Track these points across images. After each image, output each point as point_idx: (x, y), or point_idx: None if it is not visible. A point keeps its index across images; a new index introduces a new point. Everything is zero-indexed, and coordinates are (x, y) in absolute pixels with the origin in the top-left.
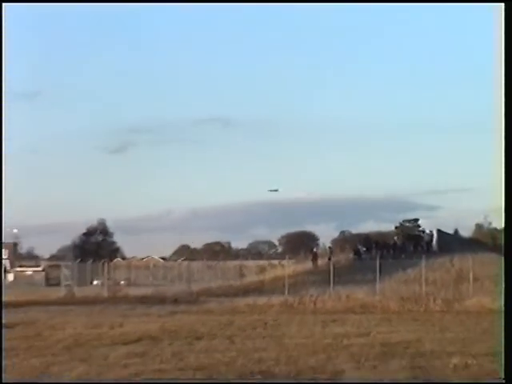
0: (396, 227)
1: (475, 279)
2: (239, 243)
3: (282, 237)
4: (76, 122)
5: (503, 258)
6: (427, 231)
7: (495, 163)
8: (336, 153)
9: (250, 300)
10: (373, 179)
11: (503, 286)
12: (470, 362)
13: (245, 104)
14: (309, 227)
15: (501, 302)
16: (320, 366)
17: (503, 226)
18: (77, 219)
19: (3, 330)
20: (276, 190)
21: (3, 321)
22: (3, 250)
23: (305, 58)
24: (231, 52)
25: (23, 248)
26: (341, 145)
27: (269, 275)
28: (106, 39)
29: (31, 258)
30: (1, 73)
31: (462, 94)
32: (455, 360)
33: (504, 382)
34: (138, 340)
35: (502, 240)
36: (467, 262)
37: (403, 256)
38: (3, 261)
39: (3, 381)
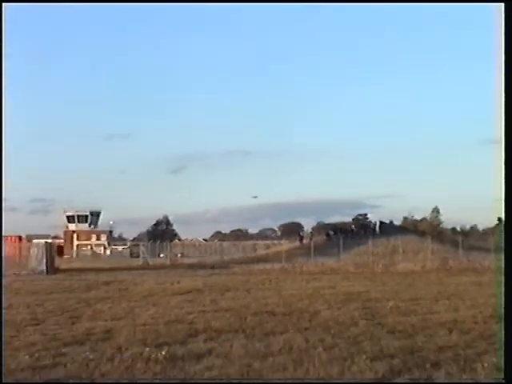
0: (353, 219)
1: (403, 252)
2: (253, 230)
3: (281, 225)
4: (150, 152)
5: (503, 257)
6: (373, 221)
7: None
8: (317, 170)
9: (260, 266)
10: (339, 188)
11: (503, 285)
12: (400, 304)
13: (259, 139)
14: (298, 219)
15: (422, 267)
16: (305, 307)
17: (503, 225)
18: (150, 215)
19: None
20: (256, 197)
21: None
22: (103, 235)
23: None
24: (247, 93)
25: (116, 233)
26: (321, 164)
27: (272, 250)
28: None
29: (121, 239)
30: (1, 73)
31: (462, 94)
32: (391, 303)
33: (504, 382)
34: (189, 292)
35: (421, 227)
36: (398, 241)
37: (357, 238)
38: (103, 240)
39: (3, 381)
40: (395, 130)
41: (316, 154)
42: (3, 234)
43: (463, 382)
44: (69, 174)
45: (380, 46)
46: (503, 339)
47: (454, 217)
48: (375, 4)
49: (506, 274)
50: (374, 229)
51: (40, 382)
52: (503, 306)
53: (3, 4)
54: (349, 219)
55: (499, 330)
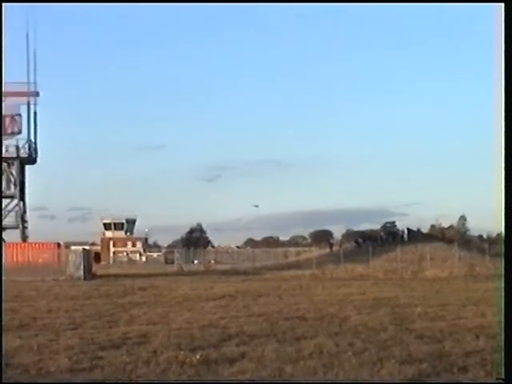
0: (381, 227)
1: (431, 259)
2: (284, 237)
3: (311, 233)
4: (185, 162)
5: (503, 257)
6: (401, 229)
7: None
8: (347, 178)
9: (291, 272)
10: (368, 196)
11: (503, 285)
12: (428, 310)
13: (291, 149)
14: (327, 227)
15: (450, 274)
16: (335, 313)
17: (503, 226)
18: (184, 223)
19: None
20: (257, 206)
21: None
22: (138, 242)
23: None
24: (280, 104)
25: (151, 240)
26: (350, 173)
27: (302, 257)
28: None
29: (156, 246)
30: (1, 72)
31: (462, 95)
32: (419, 309)
33: (504, 382)
34: (222, 297)
35: (448, 234)
36: (426, 248)
37: (386, 245)
38: (138, 247)
39: (3, 381)
40: (424, 138)
41: (346, 162)
42: (42, 240)
43: (463, 382)
44: (106, 183)
45: (381, 46)
46: (503, 339)
47: (480, 224)
48: (375, 4)
49: (505, 276)
50: (402, 236)
51: (40, 381)
52: (503, 306)
53: (3, 4)
54: (377, 227)
55: None
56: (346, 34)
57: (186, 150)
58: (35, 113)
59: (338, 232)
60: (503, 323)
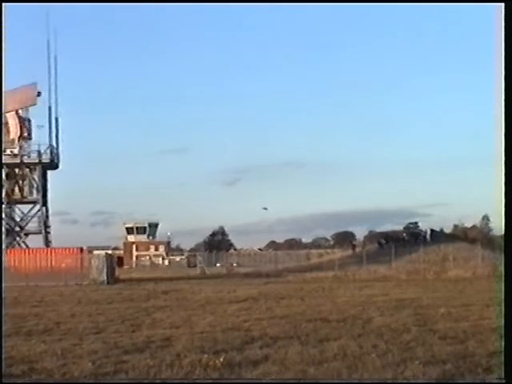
0: (404, 227)
1: (454, 259)
2: (306, 239)
3: (333, 234)
4: (206, 166)
5: (503, 257)
6: (424, 230)
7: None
8: (369, 179)
9: (313, 274)
10: (390, 197)
11: (503, 285)
12: (451, 310)
13: (313, 151)
14: (350, 228)
15: (473, 274)
16: (358, 314)
17: (503, 226)
18: (206, 226)
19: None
20: (266, 209)
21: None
22: (161, 246)
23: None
24: (301, 107)
25: (173, 244)
26: (373, 174)
27: (325, 259)
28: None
29: (178, 250)
30: (1, 72)
31: (462, 96)
32: (442, 310)
33: (504, 382)
34: (245, 300)
35: (471, 234)
36: (449, 249)
37: (409, 246)
38: (161, 251)
39: (3, 381)
40: (444, 139)
41: (369, 163)
42: (65, 245)
43: (463, 381)
44: (129, 187)
45: (387, 47)
46: (503, 339)
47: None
48: (375, 4)
49: (505, 275)
50: (425, 237)
51: (39, 381)
52: (503, 306)
53: (3, 4)
54: (400, 228)
55: None
56: (358, 36)
57: (207, 154)
58: (56, 118)
59: (360, 233)
60: (503, 323)
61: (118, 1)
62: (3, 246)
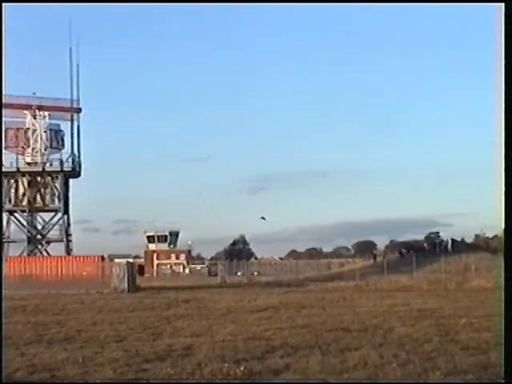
0: (425, 237)
1: (475, 269)
2: (327, 248)
3: (354, 244)
4: (228, 174)
5: (503, 258)
6: (445, 239)
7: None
8: (390, 189)
9: (334, 284)
10: (412, 207)
11: (503, 285)
12: (473, 321)
13: (335, 160)
14: (371, 238)
15: (495, 284)
16: (379, 324)
17: (503, 226)
18: (227, 234)
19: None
20: (264, 218)
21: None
22: (182, 255)
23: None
24: (323, 115)
25: (194, 252)
26: (394, 183)
27: (346, 268)
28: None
29: (199, 258)
30: (1, 72)
31: (462, 97)
32: (464, 320)
33: (504, 382)
34: (266, 309)
35: (492, 244)
36: (470, 259)
37: (430, 256)
38: (182, 259)
39: (3, 381)
40: (465, 147)
41: (390, 173)
42: (86, 253)
43: (463, 382)
44: (150, 196)
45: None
46: (503, 339)
47: None
48: (374, 4)
49: (505, 275)
50: (446, 247)
51: (39, 382)
52: (503, 306)
53: (3, 4)
54: (421, 237)
55: None
56: (383, 40)
57: (230, 162)
58: (78, 127)
59: (381, 243)
60: (503, 323)
61: None
62: (4, 252)
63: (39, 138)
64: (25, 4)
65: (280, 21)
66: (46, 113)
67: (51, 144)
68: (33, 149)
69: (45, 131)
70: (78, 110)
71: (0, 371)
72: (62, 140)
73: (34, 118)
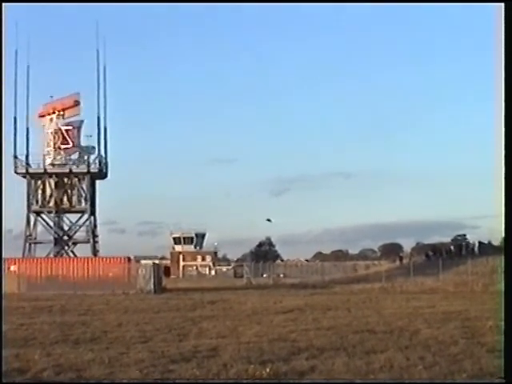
0: (452, 239)
1: (502, 272)
2: (353, 250)
3: (380, 246)
4: (254, 176)
5: (503, 258)
6: (472, 242)
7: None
8: (416, 191)
9: (360, 286)
10: (438, 209)
11: (503, 285)
12: (499, 323)
13: (361, 161)
14: (397, 240)
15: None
16: (405, 326)
17: (503, 226)
18: (253, 236)
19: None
20: (270, 220)
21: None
22: (208, 256)
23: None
24: (348, 117)
25: (220, 254)
26: (420, 185)
27: (372, 270)
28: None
29: (225, 260)
30: (1, 73)
31: (462, 97)
32: (490, 322)
33: (504, 382)
34: (291, 310)
35: None
36: (497, 261)
37: (456, 258)
38: (208, 261)
39: (3, 381)
40: (490, 148)
41: (416, 174)
42: (113, 254)
43: (463, 382)
44: (176, 197)
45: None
46: (503, 339)
47: None
48: (375, 4)
49: (506, 274)
50: (473, 249)
51: (39, 382)
52: (503, 306)
53: (3, 4)
54: (448, 240)
55: None
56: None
57: (256, 164)
58: (105, 128)
59: (407, 245)
60: (503, 323)
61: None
62: (31, 253)
63: (66, 140)
64: (50, 5)
65: (308, 22)
66: (72, 114)
67: (77, 144)
68: (59, 150)
69: (68, 130)
70: (105, 109)
71: (0, 371)
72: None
73: (62, 118)
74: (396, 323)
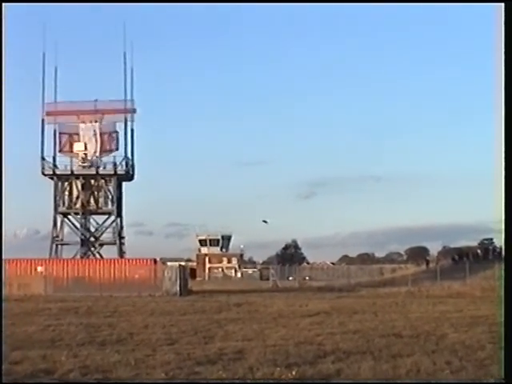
0: (479, 243)
1: None
2: (380, 254)
3: (407, 249)
4: (282, 178)
5: (503, 258)
6: (499, 246)
7: None
8: (444, 194)
9: (386, 289)
10: (466, 213)
11: (503, 286)
12: None
13: (390, 164)
14: (424, 243)
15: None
16: (431, 330)
17: (503, 226)
18: (279, 239)
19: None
20: (266, 222)
21: None
22: (234, 258)
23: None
24: (378, 119)
25: (246, 256)
26: (448, 189)
27: (398, 274)
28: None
29: (251, 262)
30: (1, 73)
31: (463, 97)
32: None
33: (504, 382)
34: (317, 314)
35: None
36: None
37: (483, 262)
38: (234, 263)
39: (3, 381)
40: None
41: (444, 177)
42: (139, 256)
43: (463, 382)
44: (203, 199)
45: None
46: (503, 339)
47: None
48: (375, 4)
49: (506, 274)
50: (500, 253)
51: (39, 382)
52: (503, 305)
53: (3, 4)
54: (474, 244)
55: None
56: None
57: (284, 167)
58: (132, 130)
59: (434, 249)
60: (503, 323)
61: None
62: (58, 254)
63: (93, 141)
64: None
65: (334, 22)
66: (101, 115)
67: (105, 146)
68: (86, 152)
69: (100, 134)
70: (133, 111)
71: (0, 371)
72: (117, 141)
73: (89, 122)
74: (423, 327)
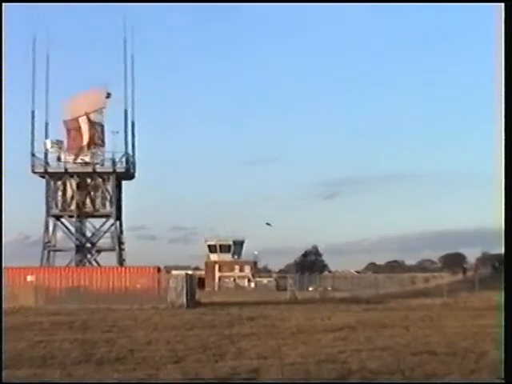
0: None
1: None
2: (410, 261)
3: (441, 256)
4: (299, 177)
5: (503, 258)
6: None
7: None
8: (483, 195)
9: (419, 301)
10: None
11: (503, 286)
12: None
13: (418, 162)
14: (460, 249)
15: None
16: (470, 347)
17: (503, 226)
18: (298, 245)
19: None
20: (269, 224)
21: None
22: (247, 266)
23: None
24: (400, 116)
25: (261, 264)
26: (487, 189)
27: (432, 283)
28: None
29: (266, 271)
30: (1, 73)
31: (463, 97)
32: None
33: (504, 382)
34: (341, 328)
35: None
36: None
37: None
38: (247, 272)
39: (3, 381)
40: None
41: (482, 176)
42: (141, 264)
43: (463, 382)
44: (212, 200)
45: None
46: (503, 339)
47: None
48: (375, 4)
49: (506, 274)
50: None
51: (40, 382)
52: (503, 306)
53: (3, 4)
54: None
55: None
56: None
57: (301, 164)
58: (133, 124)
59: (472, 255)
60: (503, 323)
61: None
62: (50, 261)
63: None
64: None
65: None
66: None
67: (92, 140)
68: (81, 148)
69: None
70: (132, 105)
71: (0, 371)
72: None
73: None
74: (460, 344)
